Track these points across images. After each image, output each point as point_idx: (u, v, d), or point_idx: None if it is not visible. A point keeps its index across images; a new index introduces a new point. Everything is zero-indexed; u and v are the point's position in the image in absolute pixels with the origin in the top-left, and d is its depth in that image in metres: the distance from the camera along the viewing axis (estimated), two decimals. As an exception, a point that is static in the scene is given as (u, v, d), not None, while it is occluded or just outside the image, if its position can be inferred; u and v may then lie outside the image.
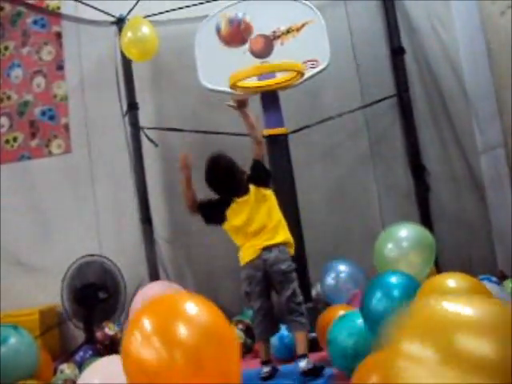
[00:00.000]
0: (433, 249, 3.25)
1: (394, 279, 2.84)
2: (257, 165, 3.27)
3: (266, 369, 3.18)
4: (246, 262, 3.19)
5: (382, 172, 4.74)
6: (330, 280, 3.97)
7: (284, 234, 3.23)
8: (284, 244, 3.21)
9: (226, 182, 3.21)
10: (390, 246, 3.31)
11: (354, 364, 2.47)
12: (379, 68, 4.77)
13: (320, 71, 4.22)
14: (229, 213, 3.21)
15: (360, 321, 2.81)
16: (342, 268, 4.01)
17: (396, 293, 2.68)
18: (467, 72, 4.34)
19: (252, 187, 3.22)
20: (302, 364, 3.02)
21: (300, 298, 3.20)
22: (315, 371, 3.00)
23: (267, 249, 3.15)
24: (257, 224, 3.18)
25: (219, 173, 3.22)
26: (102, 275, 4.26)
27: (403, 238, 3.30)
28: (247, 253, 3.20)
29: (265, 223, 3.19)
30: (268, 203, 3.23)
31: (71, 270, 4.27)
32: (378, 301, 2.75)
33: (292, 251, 3.26)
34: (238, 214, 3.20)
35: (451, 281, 2.38)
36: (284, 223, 3.27)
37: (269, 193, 3.26)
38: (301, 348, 3.08)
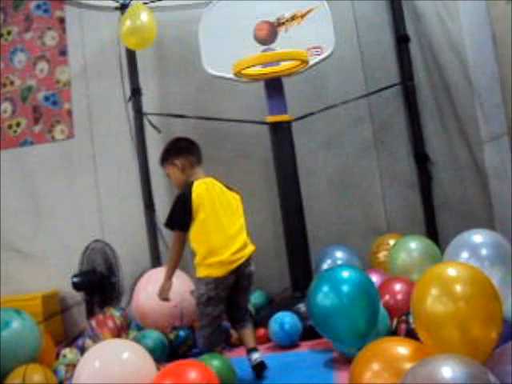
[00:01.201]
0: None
1: (344, 273, 2.85)
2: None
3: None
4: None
5: (385, 160, 4.73)
6: (325, 267, 3.92)
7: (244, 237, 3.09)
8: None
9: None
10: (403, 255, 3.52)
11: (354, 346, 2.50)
12: (384, 56, 4.75)
13: (324, 59, 4.21)
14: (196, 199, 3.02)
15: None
16: (339, 254, 4.00)
17: (345, 287, 2.68)
18: (472, 61, 4.31)
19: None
20: (256, 355, 2.98)
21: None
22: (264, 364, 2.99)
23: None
24: (231, 216, 3.05)
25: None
26: (103, 261, 4.26)
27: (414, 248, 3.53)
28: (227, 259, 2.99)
29: (233, 220, 3.05)
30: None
31: (84, 257, 4.27)
32: (324, 295, 2.79)
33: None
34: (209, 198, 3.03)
35: (451, 270, 2.38)
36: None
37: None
38: (253, 342, 3.06)
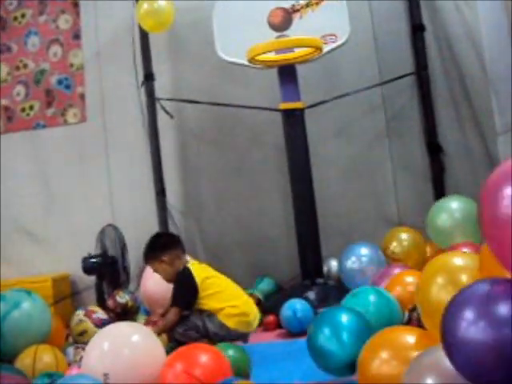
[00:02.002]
0: None
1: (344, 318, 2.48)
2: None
3: None
4: None
5: (397, 150, 4.71)
6: (350, 264, 3.89)
7: None
8: None
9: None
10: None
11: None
12: (398, 45, 4.70)
13: (338, 46, 4.18)
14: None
15: (373, 296, 2.80)
16: (364, 251, 3.92)
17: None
18: (488, 51, 4.27)
19: None
20: None
21: None
22: None
23: None
24: None
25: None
26: (113, 245, 4.28)
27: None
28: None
29: None
30: None
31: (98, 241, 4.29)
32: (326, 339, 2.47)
33: None
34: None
35: (457, 258, 2.37)
36: None
37: None
38: None
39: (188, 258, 3.28)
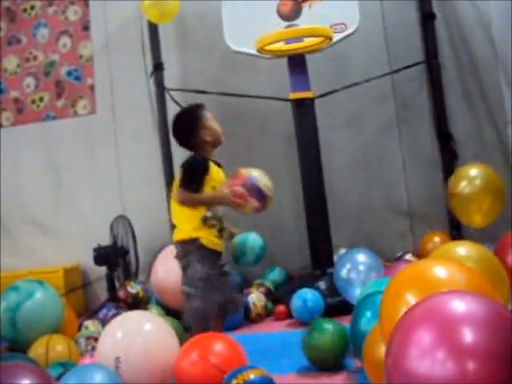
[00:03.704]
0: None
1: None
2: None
3: None
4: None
5: (407, 139, 4.69)
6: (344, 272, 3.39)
7: None
8: None
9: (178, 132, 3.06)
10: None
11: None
12: (408, 33, 4.68)
13: (348, 35, 4.16)
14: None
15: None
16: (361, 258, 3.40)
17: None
18: (499, 38, 4.23)
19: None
20: None
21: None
22: None
23: None
24: None
25: (174, 124, 3.06)
26: (123, 236, 4.29)
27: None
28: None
29: None
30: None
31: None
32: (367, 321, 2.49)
33: None
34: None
35: (461, 249, 2.36)
36: None
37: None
38: None
39: None
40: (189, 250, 2.82)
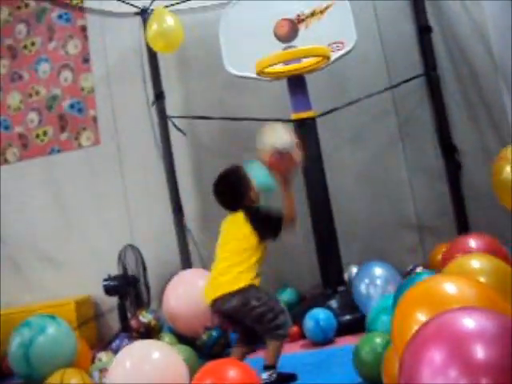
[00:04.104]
0: None
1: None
2: (273, 216, 2.99)
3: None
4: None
5: (411, 152, 4.69)
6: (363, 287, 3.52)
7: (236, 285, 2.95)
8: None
9: (222, 195, 3.12)
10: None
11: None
12: (406, 47, 4.69)
13: (346, 53, 4.18)
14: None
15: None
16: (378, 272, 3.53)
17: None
18: (497, 47, 4.25)
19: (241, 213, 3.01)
20: (264, 375, 2.85)
21: (270, 316, 2.90)
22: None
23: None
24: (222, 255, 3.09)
25: (220, 184, 3.13)
26: (133, 265, 4.29)
27: None
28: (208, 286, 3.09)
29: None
30: (240, 236, 3.01)
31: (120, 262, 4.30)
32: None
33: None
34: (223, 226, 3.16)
35: (475, 262, 2.35)
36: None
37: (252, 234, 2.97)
38: (267, 357, 2.93)
39: None
40: (248, 293, 2.88)
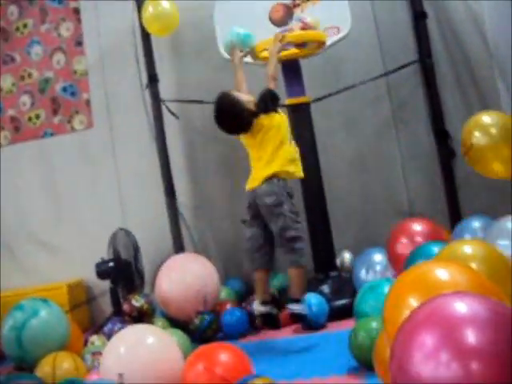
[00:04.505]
0: None
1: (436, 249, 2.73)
2: (264, 92, 3.34)
3: (261, 307, 3.27)
4: (246, 190, 3.35)
5: (405, 139, 4.68)
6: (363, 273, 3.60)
7: (275, 166, 3.25)
8: (273, 176, 3.23)
9: (225, 123, 3.36)
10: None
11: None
12: (401, 33, 4.66)
13: (341, 39, 4.17)
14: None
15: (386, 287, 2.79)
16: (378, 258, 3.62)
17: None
18: (492, 34, 4.24)
19: (255, 120, 3.29)
20: (292, 306, 3.12)
21: (291, 234, 3.20)
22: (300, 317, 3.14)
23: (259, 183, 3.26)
24: (254, 155, 3.33)
25: (220, 114, 3.34)
26: (125, 249, 4.29)
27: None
28: (249, 181, 3.36)
29: (260, 155, 3.29)
30: (261, 134, 3.28)
31: (111, 246, 4.30)
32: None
33: (283, 179, 3.29)
34: (245, 142, 3.41)
35: (467, 248, 2.36)
36: (281, 153, 3.29)
37: (267, 121, 3.29)
38: (291, 290, 3.19)
39: None
40: (276, 186, 3.30)
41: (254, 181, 3.29)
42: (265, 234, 3.31)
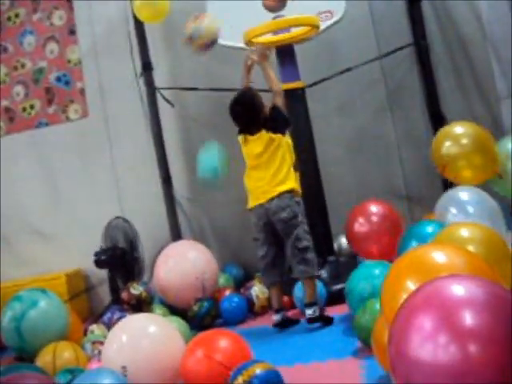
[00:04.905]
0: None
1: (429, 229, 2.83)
2: (274, 110, 3.31)
3: (277, 316, 3.29)
4: (251, 208, 3.33)
5: (400, 121, 4.68)
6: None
7: (289, 184, 3.28)
8: (285, 192, 3.25)
9: (241, 115, 3.37)
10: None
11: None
12: (395, 16, 4.65)
13: (335, 23, 4.15)
14: (242, 140, 3.40)
15: (378, 270, 2.84)
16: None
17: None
18: (487, 16, 4.22)
19: (264, 131, 3.28)
20: (308, 311, 3.14)
21: (304, 244, 3.25)
22: (320, 320, 3.16)
23: (269, 199, 3.24)
24: (261, 169, 3.30)
25: (238, 105, 3.36)
26: (123, 237, 4.29)
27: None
28: (252, 197, 3.33)
29: (268, 169, 3.28)
30: (271, 149, 3.27)
31: (106, 235, 4.31)
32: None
33: (297, 196, 3.33)
34: (248, 149, 3.37)
35: (464, 230, 2.36)
36: (293, 174, 3.34)
37: (278, 138, 3.29)
38: (306, 296, 3.21)
39: None
40: (289, 199, 3.28)
41: (263, 195, 3.28)
42: (276, 250, 3.34)
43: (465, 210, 2.85)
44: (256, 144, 3.31)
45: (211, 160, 3.44)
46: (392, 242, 3.14)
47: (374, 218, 3.42)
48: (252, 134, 3.33)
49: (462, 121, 3.49)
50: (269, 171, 3.27)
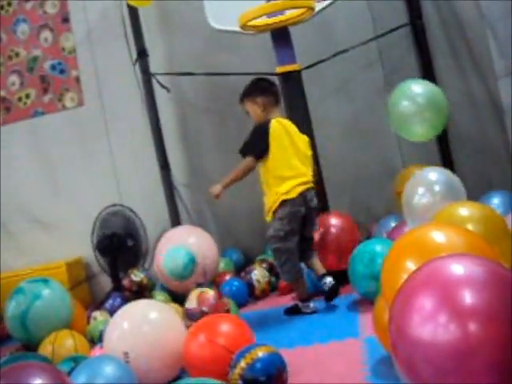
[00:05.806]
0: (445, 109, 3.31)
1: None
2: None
3: (313, 303, 3.26)
4: (293, 197, 3.18)
5: (398, 103, 4.66)
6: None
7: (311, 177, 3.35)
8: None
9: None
10: (405, 103, 3.34)
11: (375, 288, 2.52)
12: (390, -4, 4.62)
13: (330, 4, 4.12)
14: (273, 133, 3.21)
15: (380, 246, 2.92)
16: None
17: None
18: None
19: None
20: (328, 279, 3.19)
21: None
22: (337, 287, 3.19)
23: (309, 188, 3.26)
24: (300, 155, 3.28)
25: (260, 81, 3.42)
26: (122, 224, 4.30)
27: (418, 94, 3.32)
28: (293, 189, 3.20)
29: (300, 158, 3.29)
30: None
31: (98, 221, 4.31)
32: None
33: None
34: (292, 138, 3.28)
35: (463, 210, 2.37)
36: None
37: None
38: (320, 268, 3.28)
39: (279, 114, 3.37)
40: None
41: (305, 185, 3.24)
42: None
43: (432, 189, 2.84)
44: (300, 139, 3.33)
45: (177, 265, 3.53)
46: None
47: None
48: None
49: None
50: (301, 160, 3.27)
